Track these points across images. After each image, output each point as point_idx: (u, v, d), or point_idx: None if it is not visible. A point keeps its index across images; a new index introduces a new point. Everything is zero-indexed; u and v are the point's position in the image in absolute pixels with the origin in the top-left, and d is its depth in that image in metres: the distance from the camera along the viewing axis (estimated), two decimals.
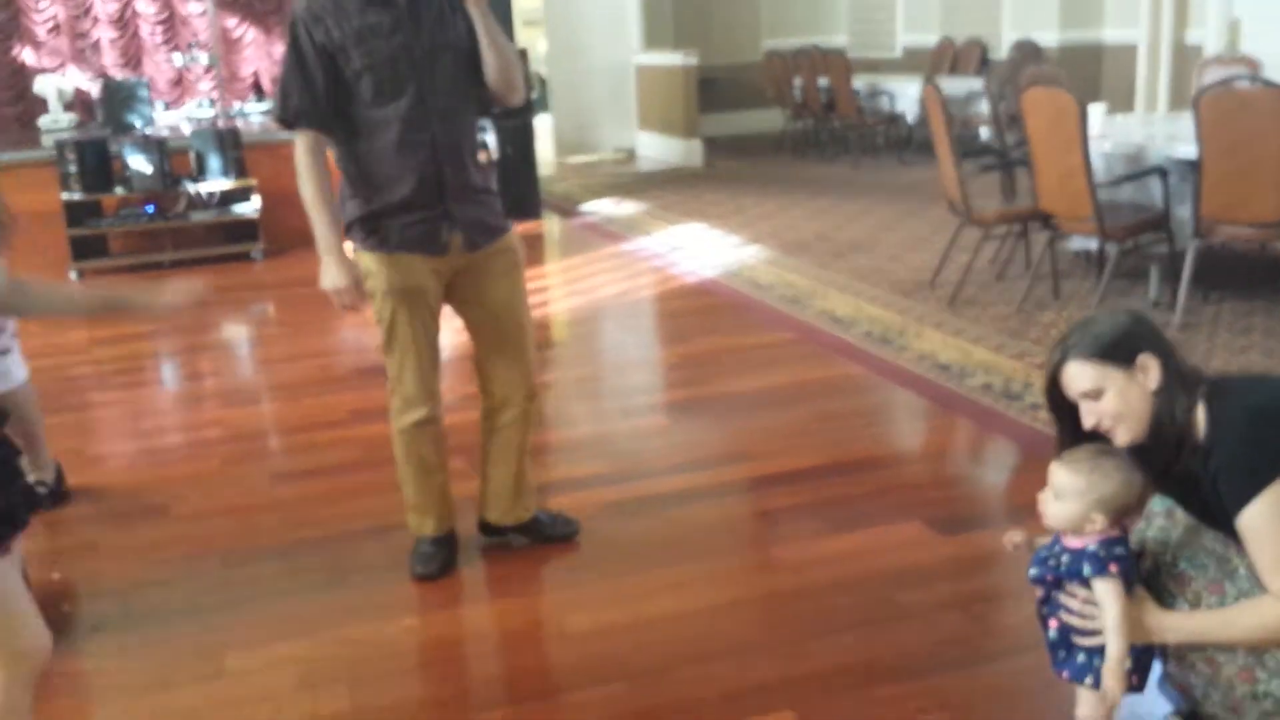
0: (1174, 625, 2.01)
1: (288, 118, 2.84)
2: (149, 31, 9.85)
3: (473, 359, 3.12)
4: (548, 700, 2.57)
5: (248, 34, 10.12)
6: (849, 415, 4.23)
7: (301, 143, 2.85)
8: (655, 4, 11.92)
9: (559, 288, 6.60)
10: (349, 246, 2.93)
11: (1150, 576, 2.10)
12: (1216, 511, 2.00)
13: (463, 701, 2.58)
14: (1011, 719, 2.39)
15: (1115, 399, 1.99)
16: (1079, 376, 2.02)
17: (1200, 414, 1.98)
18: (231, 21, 9.96)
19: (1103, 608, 1.99)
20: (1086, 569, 2.00)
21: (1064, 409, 2.10)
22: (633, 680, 2.61)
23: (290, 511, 3.60)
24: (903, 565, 3.05)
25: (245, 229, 7.57)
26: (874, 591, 2.91)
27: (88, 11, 9.59)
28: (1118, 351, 2.00)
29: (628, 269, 6.88)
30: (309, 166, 2.84)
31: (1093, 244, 5.62)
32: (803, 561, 3.11)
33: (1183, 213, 5.08)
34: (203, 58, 9.21)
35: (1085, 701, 2.09)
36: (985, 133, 7.80)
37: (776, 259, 6.81)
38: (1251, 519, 1.91)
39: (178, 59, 9.35)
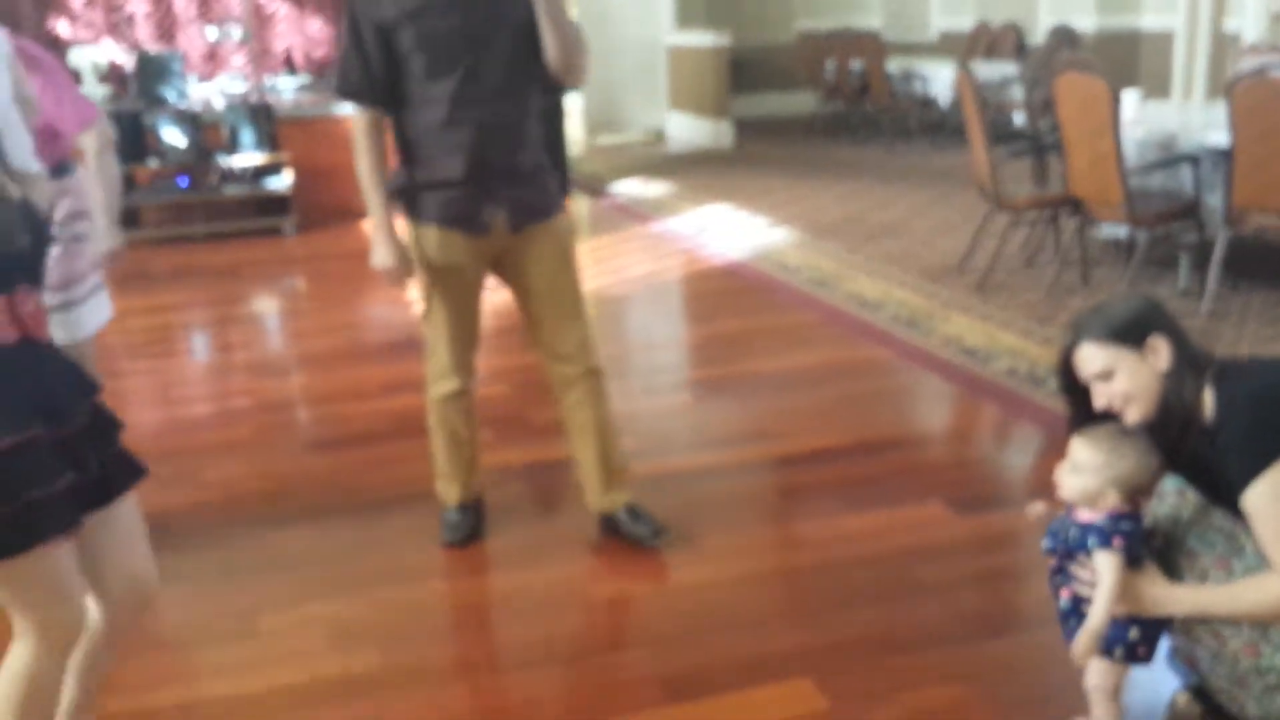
0: (1180, 598, 2.06)
1: (347, 94, 2.89)
2: (183, 5, 9.92)
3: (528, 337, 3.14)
4: (573, 664, 2.63)
5: (280, 9, 10.18)
6: (874, 396, 4.26)
7: (359, 120, 2.89)
8: None
9: (587, 267, 6.63)
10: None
11: (1161, 552, 2.14)
12: (1223, 491, 2.04)
13: (491, 662, 2.64)
14: (1025, 690, 2.42)
15: (1126, 380, 2.04)
16: (1091, 358, 2.07)
17: (1208, 396, 2.03)
18: None
19: (1099, 578, 2.04)
20: (1091, 541, 2.05)
21: (1076, 390, 2.16)
22: (655, 646, 2.67)
23: (321, 479, 3.67)
24: (922, 543, 3.09)
25: (277, 203, 7.66)
26: (894, 567, 2.96)
27: None
28: (1129, 334, 2.05)
29: (655, 249, 6.92)
30: (366, 145, 2.89)
31: (1123, 231, 5.60)
32: (824, 538, 3.15)
33: (1214, 201, 5.07)
34: (236, 32, 9.28)
35: (1095, 671, 2.14)
36: (1019, 118, 7.75)
37: (805, 242, 6.82)
38: (1256, 498, 1.95)
39: (211, 33, 9.42)
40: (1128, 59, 9.58)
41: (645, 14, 11.84)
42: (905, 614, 2.73)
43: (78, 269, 3.04)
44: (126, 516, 1.97)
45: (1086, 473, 2.07)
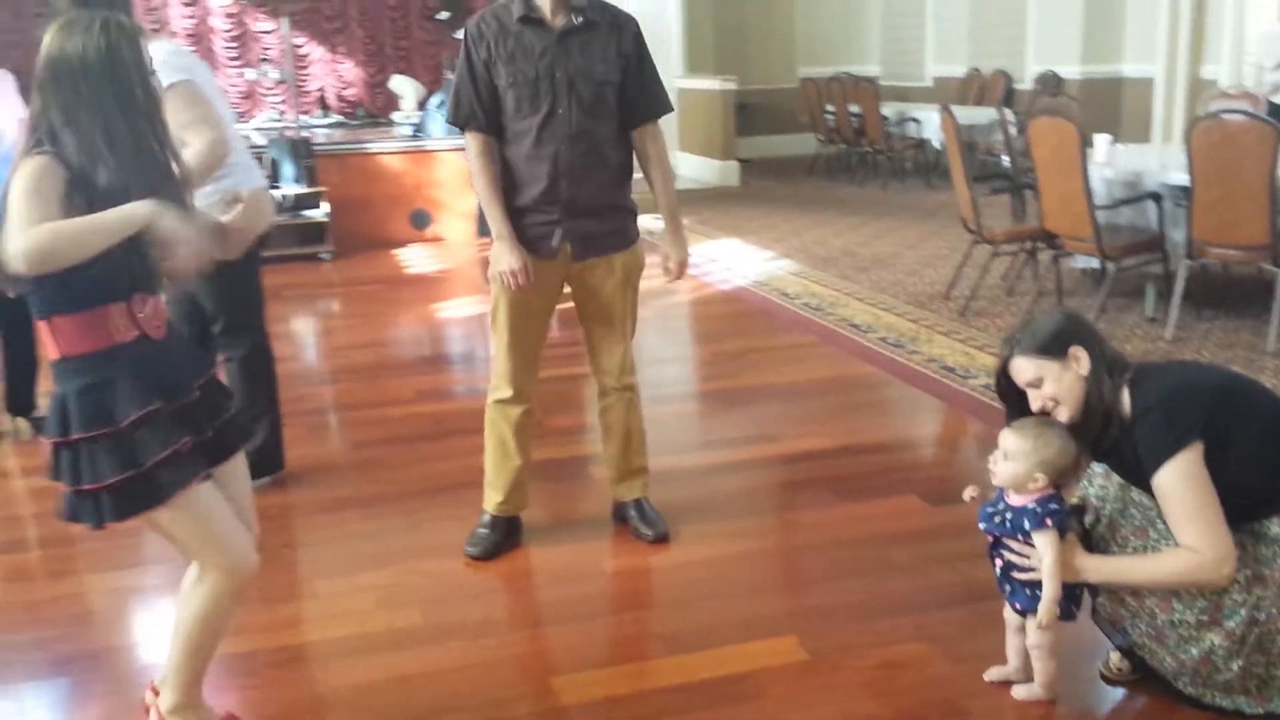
0: (1096, 565, 2.43)
1: (459, 121, 3.23)
2: (221, 47, 10.47)
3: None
4: (586, 622, 3.03)
5: (314, 51, 10.72)
6: (861, 407, 4.69)
7: (472, 144, 3.19)
8: (697, 31, 12.41)
9: None
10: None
11: (1090, 525, 2.52)
12: (1138, 475, 2.42)
13: (516, 620, 3.05)
14: (980, 646, 2.78)
15: (1053, 385, 2.42)
16: (1023, 369, 2.46)
17: (1126, 394, 2.41)
18: (299, 40, 10.56)
19: (1041, 555, 2.40)
20: (1027, 523, 2.41)
21: (1010, 394, 2.54)
22: (658, 609, 3.10)
23: (368, 471, 4.10)
24: (899, 530, 3.49)
25: (315, 232, 8.17)
26: (872, 549, 3.36)
27: (164, 26, 10.21)
28: (1053, 346, 2.43)
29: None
30: (480, 166, 3.18)
31: (1095, 262, 6.04)
32: (812, 524, 3.57)
33: (1176, 235, 5.50)
34: (273, 72, 9.81)
35: (1034, 631, 2.49)
36: (1007, 160, 8.20)
37: (804, 271, 7.28)
38: (1163, 481, 2.32)
39: (250, 73, 9.96)
40: (1111, 104, 10.05)
41: (657, 60, 12.20)
42: (881, 587, 3.13)
43: None
44: (239, 471, 2.38)
45: (1017, 458, 2.42)
